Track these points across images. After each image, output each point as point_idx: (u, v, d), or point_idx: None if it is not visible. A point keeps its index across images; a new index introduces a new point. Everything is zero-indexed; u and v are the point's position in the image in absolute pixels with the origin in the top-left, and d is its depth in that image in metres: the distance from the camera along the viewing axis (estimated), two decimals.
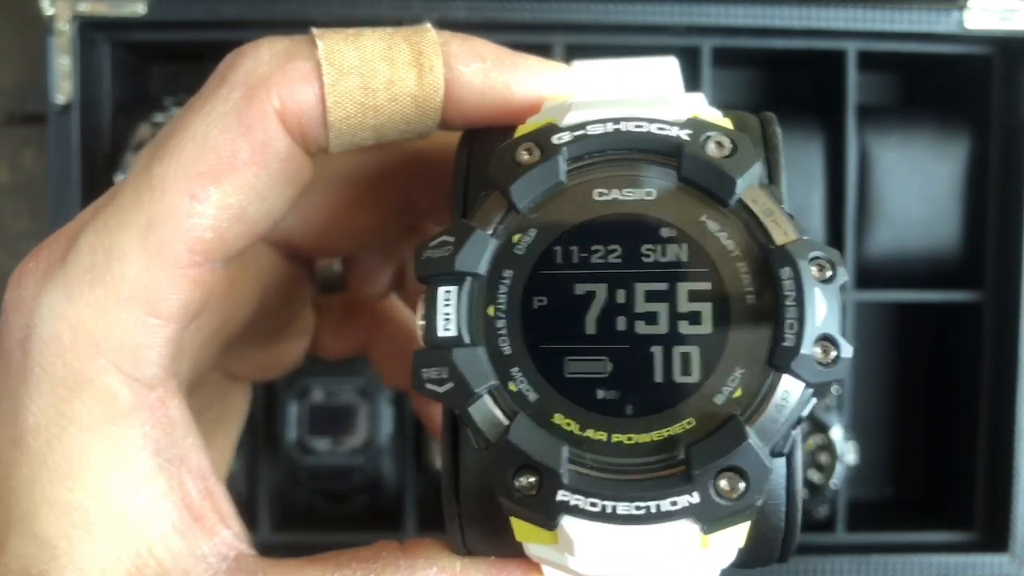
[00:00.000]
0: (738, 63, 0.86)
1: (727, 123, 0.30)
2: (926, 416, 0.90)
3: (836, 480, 0.80)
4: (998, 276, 0.80)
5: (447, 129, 0.34)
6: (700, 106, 0.30)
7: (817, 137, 0.81)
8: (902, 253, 0.82)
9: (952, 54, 0.78)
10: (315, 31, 0.32)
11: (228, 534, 0.32)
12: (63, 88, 0.72)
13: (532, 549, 0.29)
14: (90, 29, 0.73)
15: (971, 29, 0.75)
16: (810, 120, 0.82)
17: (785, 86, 0.88)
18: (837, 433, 0.80)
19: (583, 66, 0.33)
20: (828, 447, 0.81)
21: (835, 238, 0.80)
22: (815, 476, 0.81)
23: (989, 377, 0.80)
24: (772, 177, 0.31)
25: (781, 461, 0.29)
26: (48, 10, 0.71)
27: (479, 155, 0.31)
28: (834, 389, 0.81)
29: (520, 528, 0.28)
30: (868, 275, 0.81)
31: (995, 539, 0.78)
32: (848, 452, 0.81)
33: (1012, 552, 0.77)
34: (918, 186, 0.81)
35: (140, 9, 0.72)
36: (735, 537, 0.28)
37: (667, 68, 0.33)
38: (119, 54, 0.77)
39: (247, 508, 0.81)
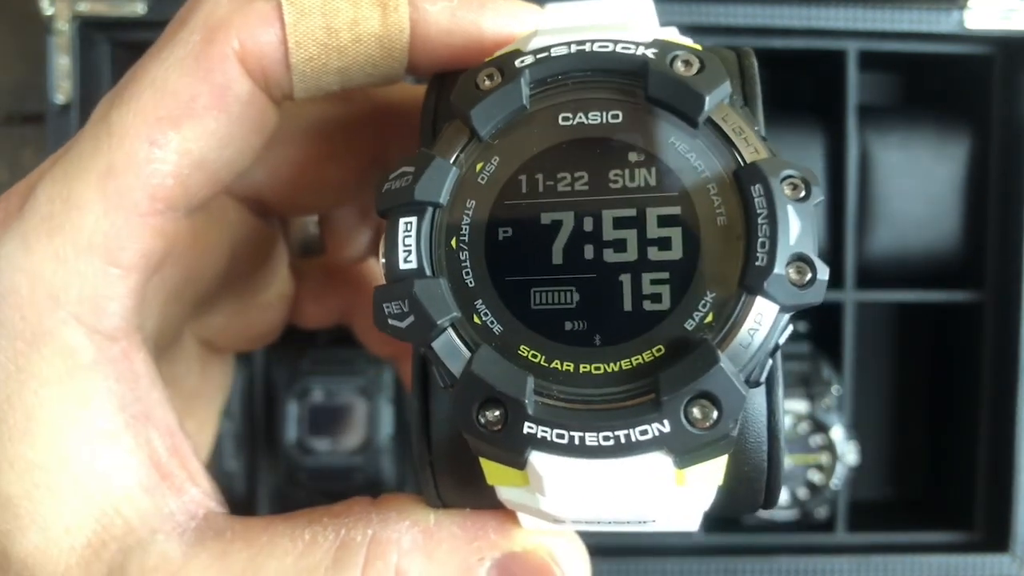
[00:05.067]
0: None
1: (696, 47, 0.29)
2: (926, 416, 0.90)
3: (836, 480, 0.80)
4: (998, 276, 0.80)
5: (415, 73, 0.33)
6: (670, 34, 0.29)
7: (817, 137, 0.81)
8: (902, 253, 0.82)
9: (952, 54, 0.78)
10: None
11: (197, 492, 0.31)
12: (63, 88, 0.72)
13: (504, 493, 0.28)
14: (90, 29, 0.73)
15: (972, 29, 0.75)
16: (810, 120, 0.82)
17: (785, 86, 0.88)
18: (837, 433, 0.80)
19: (555, 6, 0.32)
20: (828, 447, 0.81)
21: (835, 238, 0.80)
22: (815, 476, 0.81)
23: (989, 377, 0.80)
24: (749, 107, 0.30)
25: (762, 398, 0.28)
26: (48, 10, 0.71)
27: (448, 97, 0.29)
28: (834, 389, 0.81)
29: (491, 471, 0.27)
30: (868, 275, 0.81)
31: (995, 539, 0.78)
32: (848, 452, 0.81)
33: (1012, 552, 0.77)
34: (918, 186, 0.81)
35: (140, 9, 0.72)
36: (712, 473, 0.27)
37: (640, 4, 0.32)
38: (119, 54, 0.76)
39: (247, 508, 0.80)
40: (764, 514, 0.81)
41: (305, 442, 0.80)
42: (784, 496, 0.81)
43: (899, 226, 0.82)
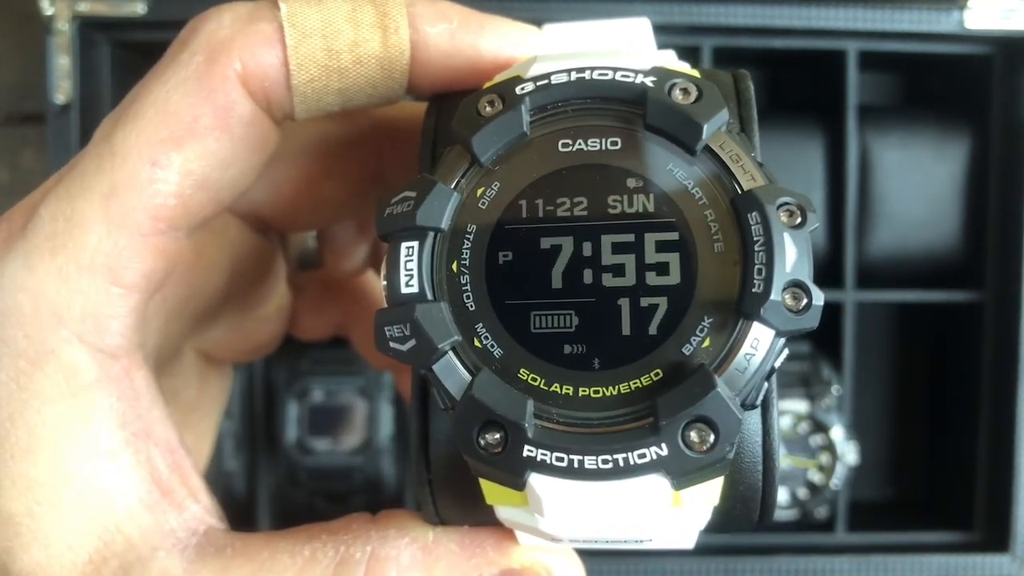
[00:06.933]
0: (738, 63, 0.86)
1: (694, 73, 0.29)
2: (926, 416, 0.90)
3: (836, 480, 0.80)
4: (998, 276, 0.80)
5: (415, 94, 0.33)
6: (668, 59, 0.30)
7: (817, 137, 0.81)
8: (902, 253, 0.82)
9: (952, 54, 0.78)
10: None
11: (198, 508, 0.31)
12: (62, 88, 0.72)
13: (503, 512, 0.28)
14: (90, 29, 0.73)
15: (972, 29, 0.75)
16: (810, 120, 0.82)
17: (785, 86, 0.88)
18: (837, 433, 0.80)
19: (553, 28, 0.33)
20: (828, 447, 0.81)
21: (835, 238, 0.80)
22: (815, 476, 0.81)
23: (989, 377, 0.80)
24: (745, 132, 0.30)
25: (757, 418, 0.29)
26: (48, 10, 0.71)
27: (447, 118, 0.30)
28: (834, 389, 0.81)
29: (490, 491, 0.28)
30: (868, 275, 0.81)
31: (995, 539, 0.78)
32: (848, 452, 0.81)
33: (1012, 552, 0.77)
34: (918, 186, 0.81)
35: (140, 9, 0.72)
36: (709, 494, 0.27)
37: (639, 28, 0.32)
38: (119, 54, 0.77)
39: (247, 508, 0.81)
40: None
41: (305, 442, 0.80)
42: (784, 496, 0.81)
43: (899, 226, 0.82)
